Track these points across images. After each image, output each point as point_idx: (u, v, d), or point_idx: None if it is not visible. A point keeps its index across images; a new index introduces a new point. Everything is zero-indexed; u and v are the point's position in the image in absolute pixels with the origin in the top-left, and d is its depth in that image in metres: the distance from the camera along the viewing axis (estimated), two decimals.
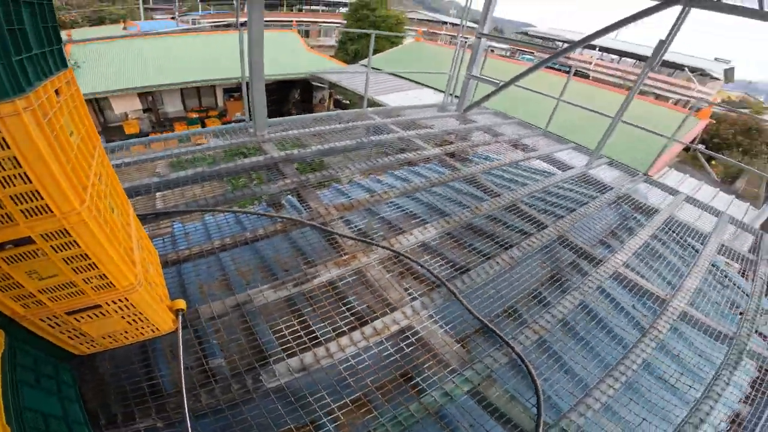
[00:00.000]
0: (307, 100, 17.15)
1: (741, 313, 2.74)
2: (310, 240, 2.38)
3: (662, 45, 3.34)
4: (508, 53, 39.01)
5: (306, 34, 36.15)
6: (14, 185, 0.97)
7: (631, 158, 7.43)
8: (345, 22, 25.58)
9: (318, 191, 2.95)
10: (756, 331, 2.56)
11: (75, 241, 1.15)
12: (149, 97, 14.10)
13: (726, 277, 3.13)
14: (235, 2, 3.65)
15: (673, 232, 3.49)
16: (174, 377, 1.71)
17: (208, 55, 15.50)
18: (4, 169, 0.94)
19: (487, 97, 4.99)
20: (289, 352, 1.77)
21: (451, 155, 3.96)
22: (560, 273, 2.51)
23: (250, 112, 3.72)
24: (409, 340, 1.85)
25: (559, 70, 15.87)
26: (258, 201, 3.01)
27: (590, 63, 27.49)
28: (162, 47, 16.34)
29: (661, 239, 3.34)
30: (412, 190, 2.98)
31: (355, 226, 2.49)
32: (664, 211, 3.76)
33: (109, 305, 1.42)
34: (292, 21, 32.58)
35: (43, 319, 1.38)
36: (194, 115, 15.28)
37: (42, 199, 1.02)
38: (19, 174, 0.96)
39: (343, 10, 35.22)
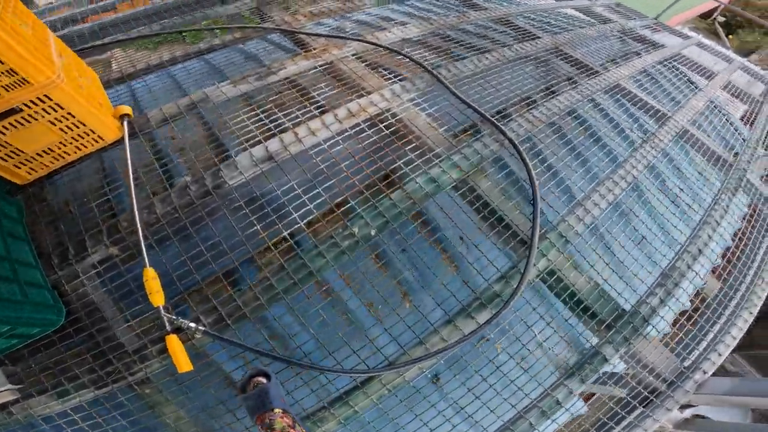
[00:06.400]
0: None
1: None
2: (275, 44, 2.05)
3: None
4: None
5: None
6: None
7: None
8: None
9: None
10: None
11: None
12: None
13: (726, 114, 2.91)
14: None
15: (681, 64, 3.19)
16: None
17: None
18: None
19: None
20: (253, 141, 1.55)
21: None
22: (556, 78, 2.23)
23: None
24: (389, 122, 1.64)
25: None
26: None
27: None
28: None
29: (666, 67, 3.05)
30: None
31: (328, 26, 2.13)
32: (671, 47, 3.41)
33: (30, 107, 1.26)
34: None
35: None
36: None
37: None
38: None
39: None
